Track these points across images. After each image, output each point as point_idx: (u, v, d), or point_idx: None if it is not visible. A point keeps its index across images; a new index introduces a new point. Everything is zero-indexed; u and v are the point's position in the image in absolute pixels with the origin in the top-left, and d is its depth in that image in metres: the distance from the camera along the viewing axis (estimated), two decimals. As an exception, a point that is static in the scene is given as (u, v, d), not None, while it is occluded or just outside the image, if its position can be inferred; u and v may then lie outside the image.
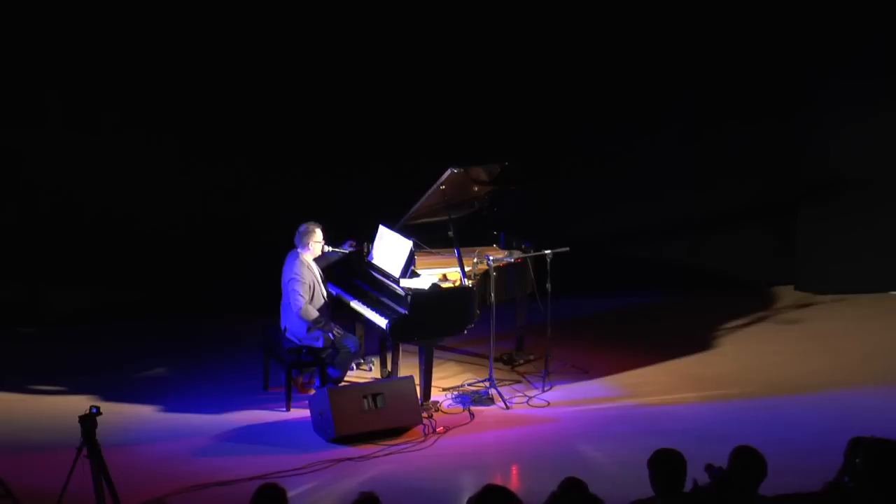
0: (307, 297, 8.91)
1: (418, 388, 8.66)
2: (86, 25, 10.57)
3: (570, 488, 5.36)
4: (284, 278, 8.99)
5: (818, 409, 8.88)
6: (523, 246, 9.60)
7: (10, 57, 10.55)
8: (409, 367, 9.08)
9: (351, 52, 11.04)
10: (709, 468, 5.55)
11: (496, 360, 9.34)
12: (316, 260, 9.07)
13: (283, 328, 9.04)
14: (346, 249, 9.31)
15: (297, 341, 8.92)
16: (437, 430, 8.46)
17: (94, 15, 10.57)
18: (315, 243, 9.00)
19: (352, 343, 9.04)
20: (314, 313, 8.91)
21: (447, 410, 8.85)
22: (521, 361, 9.85)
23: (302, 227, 9.01)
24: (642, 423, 8.65)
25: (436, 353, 9.03)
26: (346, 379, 9.23)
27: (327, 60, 11.00)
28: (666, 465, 5.47)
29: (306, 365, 9.03)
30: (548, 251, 9.16)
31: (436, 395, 8.97)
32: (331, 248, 9.14)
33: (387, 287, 9.00)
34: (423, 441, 8.30)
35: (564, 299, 9.65)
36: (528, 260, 9.42)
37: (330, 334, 8.91)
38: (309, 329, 8.88)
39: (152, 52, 10.75)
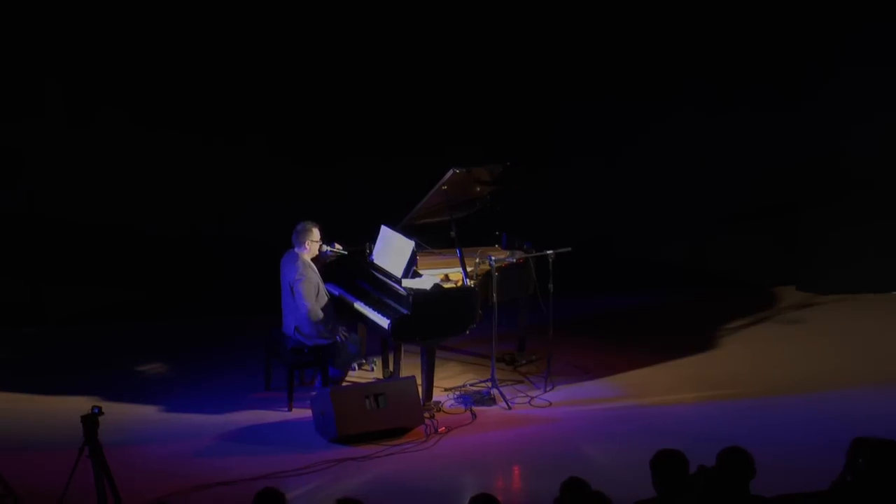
0: (314, 297, 8.89)
1: (420, 389, 8.66)
2: (85, 20, 10.54)
3: (571, 488, 5.36)
4: (287, 279, 8.95)
5: (818, 409, 8.87)
6: (525, 246, 9.59)
7: (10, 54, 10.54)
8: (410, 368, 9.06)
9: (352, 52, 11.03)
10: (700, 470, 5.55)
11: (498, 360, 9.33)
12: (312, 259, 9.06)
13: (291, 331, 8.92)
14: (333, 248, 9.23)
15: (306, 341, 8.90)
16: (439, 430, 8.45)
17: (95, 8, 10.55)
18: (313, 242, 8.99)
19: (353, 344, 9.04)
20: (321, 314, 8.90)
21: (449, 411, 8.85)
22: (523, 362, 9.84)
23: (299, 227, 8.98)
24: (644, 423, 8.64)
25: (438, 353, 9.03)
26: (347, 379, 9.24)
27: (329, 60, 10.99)
28: (668, 466, 5.48)
29: (308, 365, 9.03)
30: (550, 251, 9.16)
31: (438, 395, 8.97)
32: (327, 248, 9.14)
33: (389, 287, 8.99)
34: (425, 441, 8.29)
35: (566, 299, 9.64)
36: (531, 260, 9.41)
37: (338, 337, 8.92)
38: (320, 333, 8.88)
39: (152, 51, 10.73)
